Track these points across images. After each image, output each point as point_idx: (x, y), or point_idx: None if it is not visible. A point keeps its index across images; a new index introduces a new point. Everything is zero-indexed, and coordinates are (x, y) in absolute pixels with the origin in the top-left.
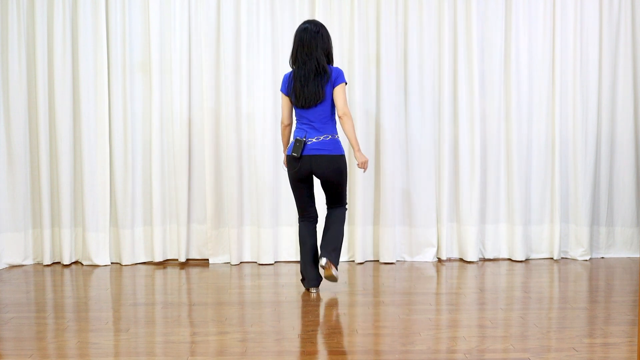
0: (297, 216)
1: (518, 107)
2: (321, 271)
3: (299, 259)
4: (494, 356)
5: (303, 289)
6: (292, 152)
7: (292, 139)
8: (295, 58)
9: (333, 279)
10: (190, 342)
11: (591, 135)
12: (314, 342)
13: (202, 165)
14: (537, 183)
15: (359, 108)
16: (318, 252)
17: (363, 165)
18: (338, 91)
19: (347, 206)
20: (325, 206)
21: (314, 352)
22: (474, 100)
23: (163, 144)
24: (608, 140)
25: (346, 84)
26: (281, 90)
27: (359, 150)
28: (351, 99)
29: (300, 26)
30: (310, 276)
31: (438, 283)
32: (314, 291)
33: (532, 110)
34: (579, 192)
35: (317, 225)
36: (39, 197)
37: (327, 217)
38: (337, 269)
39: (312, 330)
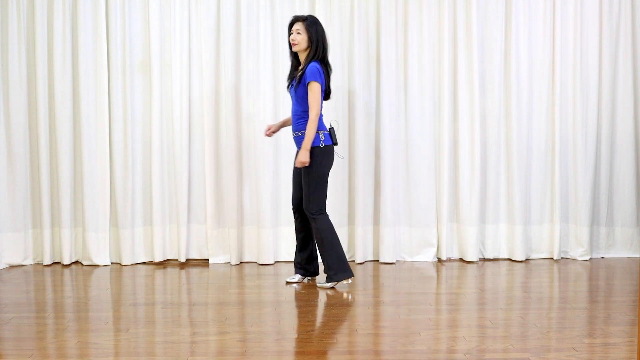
0: (322, 209)
1: (518, 107)
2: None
3: None
4: (494, 356)
5: (303, 288)
6: (333, 142)
7: (320, 130)
8: (326, 51)
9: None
10: (190, 342)
11: (591, 135)
12: (314, 342)
13: (202, 165)
14: (537, 183)
15: (358, 108)
16: None
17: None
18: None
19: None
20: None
21: (314, 352)
22: (474, 100)
23: (163, 144)
24: (608, 140)
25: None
26: (320, 82)
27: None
28: (351, 99)
29: (318, 20)
30: (348, 264)
31: (438, 283)
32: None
33: (532, 110)
34: (579, 192)
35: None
36: (39, 197)
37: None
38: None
39: (312, 330)
